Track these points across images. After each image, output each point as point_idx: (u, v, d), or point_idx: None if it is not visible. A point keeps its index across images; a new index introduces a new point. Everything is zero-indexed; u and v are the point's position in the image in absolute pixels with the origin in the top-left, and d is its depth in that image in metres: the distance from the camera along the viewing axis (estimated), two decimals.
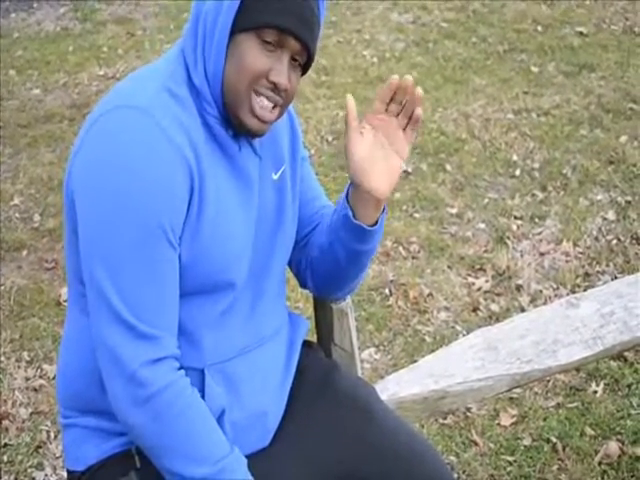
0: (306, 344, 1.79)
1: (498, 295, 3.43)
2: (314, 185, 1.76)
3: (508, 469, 2.62)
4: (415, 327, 3.27)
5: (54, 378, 2.92)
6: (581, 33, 5.97)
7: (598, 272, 3.54)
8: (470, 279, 3.53)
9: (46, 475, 2.66)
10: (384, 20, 6.40)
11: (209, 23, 1.43)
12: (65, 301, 3.30)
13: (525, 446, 2.69)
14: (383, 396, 1.86)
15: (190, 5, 1.52)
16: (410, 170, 4.37)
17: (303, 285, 1.79)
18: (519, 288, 3.46)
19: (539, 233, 3.84)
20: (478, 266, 3.62)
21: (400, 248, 3.75)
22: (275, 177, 1.61)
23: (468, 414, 2.82)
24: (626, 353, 2.97)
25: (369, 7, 6.63)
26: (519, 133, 4.70)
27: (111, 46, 6.10)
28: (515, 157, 4.46)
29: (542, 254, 3.69)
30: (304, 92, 5.25)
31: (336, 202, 1.65)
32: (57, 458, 2.70)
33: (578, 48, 5.74)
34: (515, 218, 3.95)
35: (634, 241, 3.74)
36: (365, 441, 1.63)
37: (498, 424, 2.78)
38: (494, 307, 3.35)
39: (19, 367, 3.09)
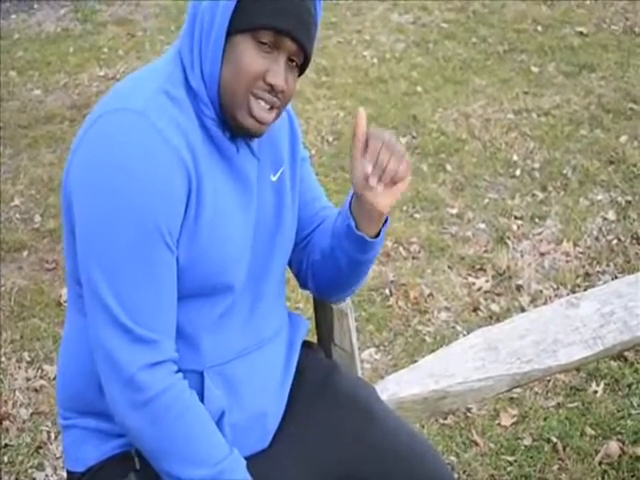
0: (306, 344, 1.79)
1: (498, 295, 3.43)
2: (314, 186, 1.75)
3: (508, 469, 2.62)
4: (415, 327, 3.27)
5: (54, 379, 2.92)
6: (581, 33, 5.97)
7: (598, 272, 3.54)
8: (470, 279, 3.54)
9: (46, 476, 2.66)
10: (384, 21, 6.40)
11: (205, 24, 1.43)
12: (66, 302, 3.30)
13: (525, 446, 2.69)
14: (383, 396, 1.86)
15: None
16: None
17: (303, 286, 1.79)
18: (519, 288, 3.46)
19: (539, 233, 3.84)
20: (478, 266, 3.62)
21: (400, 248, 3.75)
22: (274, 179, 1.61)
23: (468, 414, 2.82)
24: (626, 353, 2.97)
25: (369, 8, 6.63)
26: (519, 133, 4.70)
27: (111, 47, 6.10)
28: (515, 157, 4.47)
29: (542, 254, 3.69)
30: (304, 93, 5.25)
31: (340, 209, 1.64)
32: (57, 459, 2.70)
33: (578, 48, 5.74)
34: (515, 218, 3.95)
35: (634, 241, 3.74)
36: (365, 441, 1.62)
37: (498, 424, 2.78)
38: (494, 307, 3.35)
39: (20, 367, 3.09)
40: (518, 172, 4.33)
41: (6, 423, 2.85)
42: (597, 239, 3.77)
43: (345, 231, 1.59)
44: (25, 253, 3.80)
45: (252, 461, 1.52)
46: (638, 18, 6.20)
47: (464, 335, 3.02)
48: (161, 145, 1.37)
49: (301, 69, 1.52)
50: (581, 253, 3.68)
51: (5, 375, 3.06)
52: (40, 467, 2.69)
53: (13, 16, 6.74)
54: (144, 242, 1.38)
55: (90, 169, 1.39)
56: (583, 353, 2.10)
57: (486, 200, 4.12)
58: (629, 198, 4.04)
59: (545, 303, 3.26)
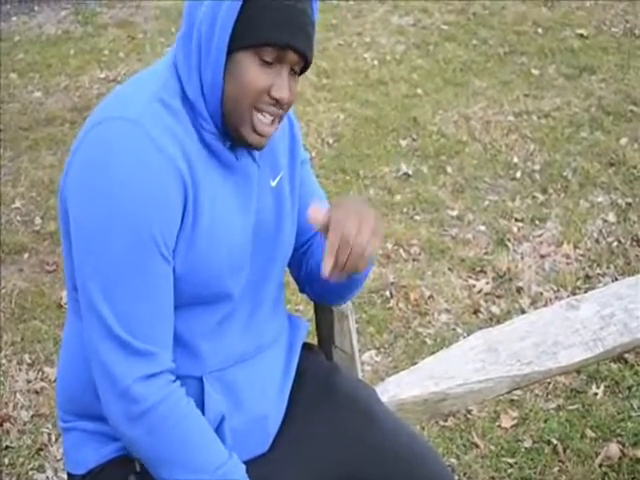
0: (306, 347, 1.79)
1: (499, 297, 3.43)
2: (314, 188, 1.74)
3: (509, 471, 2.62)
4: (416, 329, 3.27)
5: (55, 381, 2.92)
6: (581, 35, 5.97)
7: (599, 274, 3.54)
8: (471, 281, 3.54)
9: (47, 477, 2.66)
10: (385, 23, 6.40)
11: (204, 40, 1.41)
12: (66, 304, 3.31)
13: (526, 448, 2.69)
14: (383, 398, 1.86)
15: None
16: (411, 172, 4.37)
17: (302, 290, 1.79)
18: (519, 290, 3.46)
19: (540, 235, 3.84)
20: (479, 268, 3.62)
21: (401, 250, 3.75)
22: (273, 184, 1.60)
23: (469, 416, 2.82)
24: (626, 355, 2.97)
25: (370, 10, 6.63)
26: (520, 135, 4.71)
27: (112, 49, 6.11)
28: (516, 159, 4.47)
29: (543, 256, 3.69)
30: (305, 95, 5.25)
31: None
32: (58, 461, 2.70)
33: (578, 50, 5.75)
34: (516, 220, 3.96)
35: (634, 243, 3.74)
36: (365, 443, 1.62)
37: (499, 426, 2.78)
38: (495, 309, 3.36)
39: (20, 370, 3.10)
40: (518, 174, 4.34)
41: (7, 425, 2.85)
42: (597, 241, 3.77)
43: None
44: (26, 255, 3.80)
45: (252, 465, 1.52)
46: (638, 20, 6.20)
47: (464, 337, 3.02)
48: (156, 155, 1.36)
49: (301, 71, 1.51)
50: (581, 255, 3.68)
51: (6, 377, 3.06)
52: (41, 469, 2.69)
53: (14, 18, 6.74)
54: (139, 254, 1.37)
55: (84, 179, 1.39)
56: (583, 355, 2.11)
57: (486, 202, 4.12)
58: (629, 200, 4.05)
59: (545, 305, 3.26)
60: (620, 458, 2.61)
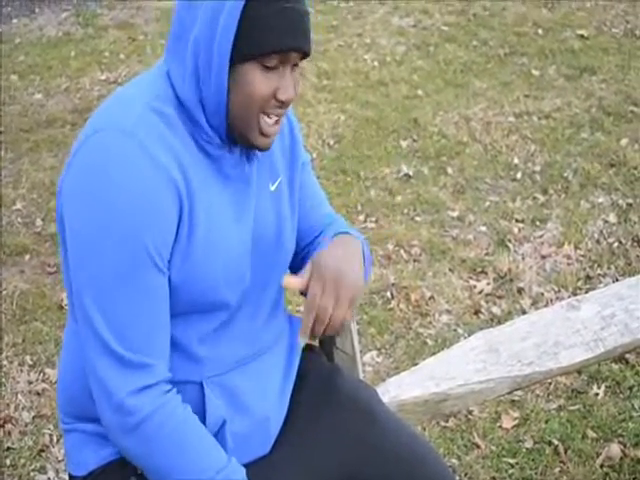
0: (307, 348, 1.79)
1: (499, 298, 3.44)
2: (314, 191, 1.74)
3: (510, 472, 2.62)
4: (417, 330, 3.27)
5: (56, 382, 2.92)
6: (582, 36, 5.98)
7: (599, 275, 3.55)
8: (471, 282, 3.54)
9: (49, 478, 2.67)
10: (385, 24, 6.41)
11: (202, 55, 1.38)
12: (67, 305, 3.31)
13: (527, 449, 2.69)
14: (384, 399, 1.86)
15: None
16: (411, 173, 4.38)
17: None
18: (520, 291, 3.46)
19: (540, 236, 3.84)
20: (479, 269, 3.62)
21: (401, 251, 3.76)
22: (272, 188, 1.59)
23: (470, 417, 2.82)
24: (627, 355, 2.97)
25: (370, 11, 6.64)
26: (520, 136, 4.71)
27: (113, 51, 6.11)
28: (516, 160, 4.47)
29: (543, 257, 3.69)
30: (305, 96, 5.25)
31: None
32: (60, 462, 2.70)
33: (579, 51, 5.75)
34: (516, 221, 3.96)
35: (635, 243, 3.74)
36: (367, 443, 1.62)
37: (500, 427, 2.78)
38: (495, 310, 3.36)
39: (22, 371, 3.10)
40: (519, 175, 4.34)
41: (8, 426, 2.85)
42: (598, 242, 3.78)
43: None
44: (27, 257, 3.81)
45: (254, 467, 1.52)
46: (639, 21, 6.21)
47: (465, 338, 3.02)
48: (150, 167, 1.35)
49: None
50: (582, 256, 3.68)
51: (7, 378, 3.07)
52: (42, 470, 2.70)
53: (14, 20, 6.75)
54: (133, 267, 1.37)
55: (78, 193, 1.38)
56: (584, 355, 2.11)
57: (487, 203, 4.12)
58: (630, 201, 4.05)
59: (546, 306, 3.26)
60: (621, 458, 2.62)
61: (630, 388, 2.91)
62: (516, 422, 2.79)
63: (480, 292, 3.47)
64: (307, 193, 1.70)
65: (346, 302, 1.44)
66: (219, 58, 1.37)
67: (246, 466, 1.50)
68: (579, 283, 3.49)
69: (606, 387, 2.91)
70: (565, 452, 2.66)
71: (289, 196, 1.64)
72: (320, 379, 1.72)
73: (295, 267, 1.74)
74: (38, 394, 2.99)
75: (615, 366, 2.99)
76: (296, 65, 1.46)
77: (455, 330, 3.27)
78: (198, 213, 1.42)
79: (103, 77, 5.69)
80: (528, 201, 4.11)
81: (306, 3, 1.43)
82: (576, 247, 3.73)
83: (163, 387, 1.43)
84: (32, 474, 2.68)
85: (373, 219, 4.02)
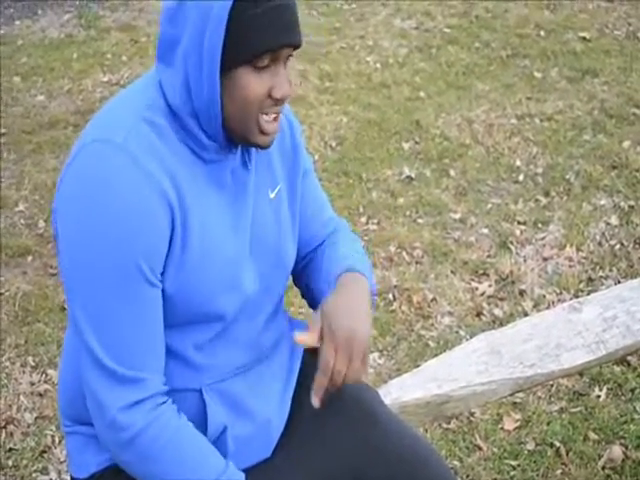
0: (309, 349, 1.79)
1: (501, 300, 3.44)
2: (316, 197, 1.72)
3: (512, 473, 2.62)
4: (419, 332, 3.28)
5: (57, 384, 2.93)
6: (584, 38, 5.98)
7: (601, 277, 3.55)
8: (473, 284, 3.54)
9: (51, 479, 2.67)
10: (387, 26, 6.41)
11: (192, 62, 1.36)
12: None
13: (529, 450, 2.69)
14: (386, 400, 1.86)
15: None
16: (413, 175, 4.38)
17: (304, 297, 1.79)
18: (522, 293, 3.47)
19: (542, 238, 3.84)
20: (481, 271, 3.62)
21: (404, 253, 3.76)
22: (272, 196, 1.58)
23: (472, 419, 2.82)
24: (629, 357, 2.97)
25: (372, 13, 6.64)
26: (522, 138, 4.71)
27: (115, 53, 6.11)
28: (518, 162, 4.47)
29: (545, 259, 3.69)
30: (308, 98, 5.26)
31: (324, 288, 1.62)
32: (62, 463, 2.71)
33: (581, 53, 5.75)
34: (518, 223, 3.96)
35: (637, 246, 3.75)
36: (369, 445, 1.62)
37: (501, 428, 2.78)
38: (497, 312, 3.36)
39: (24, 372, 3.10)
40: (521, 177, 4.34)
41: (11, 427, 2.86)
42: (600, 244, 3.78)
43: None
44: (29, 258, 3.81)
45: (256, 470, 1.52)
46: None
47: (467, 340, 3.02)
48: (140, 181, 1.34)
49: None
50: (584, 258, 3.68)
51: (9, 379, 3.07)
52: (44, 471, 2.70)
53: (17, 22, 6.75)
54: (124, 282, 1.36)
55: (70, 209, 1.38)
56: (586, 357, 2.11)
57: (489, 205, 4.12)
58: (632, 203, 4.05)
59: (548, 308, 3.26)
60: (623, 460, 2.62)
61: (632, 390, 2.91)
62: (518, 424, 2.79)
63: (482, 294, 3.47)
64: (309, 201, 1.69)
65: (359, 360, 1.45)
66: (209, 66, 1.35)
67: (248, 470, 1.50)
68: (581, 285, 3.50)
69: (608, 389, 2.91)
70: (567, 454, 2.66)
71: (290, 203, 1.63)
72: None
73: (297, 274, 1.74)
74: (40, 395, 3.00)
75: (617, 368, 2.99)
76: (290, 56, 1.44)
77: (457, 332, 3.27)
78: (192, 223, 1.41)
79: (105, 79, 5.70)
80: (530, 203, 4.12)
81: None
82: (578, 249, 3.74)
83: (156, 400, 1.42)
84: (34, 475, 2.69)
85: (375, 221, 4.02)
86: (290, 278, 1.73)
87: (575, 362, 2.10)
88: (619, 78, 5.37)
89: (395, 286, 3.52)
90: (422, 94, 5.31)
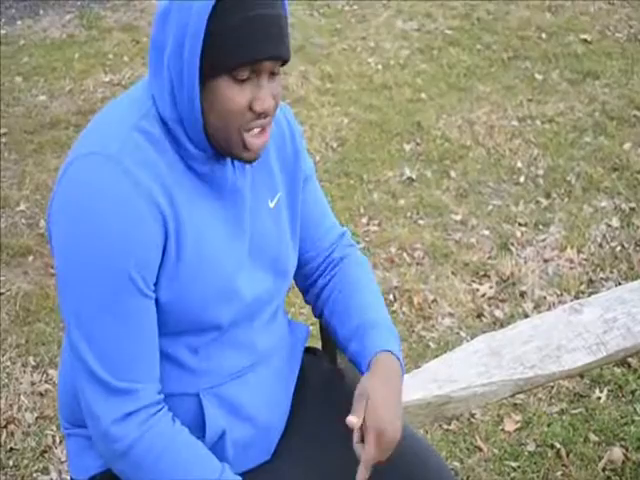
0: (309, 351, 1.79)
1: (502, 301, 3.44)
2: (318, 202, 1.71)
3: (512, 475, 2.62)
4: (419, 333, 3.28)
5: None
6: (585, 40, 5.98)
7: (602, 279, 3.55)
8: (474, 285, 3.54)
9: (51, 479, 2.67)
10: (389, 27, 6.41)
11: (174, 74, 1.35)
12: None
13: (529, 452, 2.69)
14: None
15: None
16: (414, 177, 4.38)
17: (307, 302, 1.79)
18: (523, 294, 3.47)
19: (543, 240, 3.85)
20: (482, 272, 3.63)
21: (404, 254, 3.76)
22: (272, 205, 1.57)
23: (472, 420, 2.83)
24: (630, 359, 2.98)
25: (374, 15, 6.64)
26: (523, 140, 4.71)
27: (117, 53, 6.12)
28: (519, 164, 4.47)
29: (546, 260, 3.70)
30: (309, 99, 5.26)
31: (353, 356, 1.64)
32: (62, 463, 2.71)
33: (582, 55, 5.75)
34: (519, 225, 3.96)
35: (638, 248, 3.75)
36: None
37: (502, 430, 2.78)
38: (498, 313, 3.36)
39: (25, 372, 3.11)
40: (522, 179, 4.34)
41: (11, 427, 2.86)
42: (601, 246, 3.78)
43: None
44: (30, 258, 3.81)
45: (255, 473, 1.52)
46: None
47: (468, 341, 3.02)
48: (133, 193, 1.34)
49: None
50: (585, 260, 3.69)
51: (10, 379, 3.07)
52: (45, 471, 2.70)
53: (18, 22, 6.76)
54: (116, 294, 1.36)
55: (61, 219, 1.38)
56: (586, 359, 2.11)
57: (490, 207, 4.12)
58: (633, 205, 4.05)
59: (549, 309, 3.27)
60: (623, 462, 2.62)
61: (632, 392, 2.91)
62: (518, 425, 2.79)
63: (483, 295, 3.47)
64: (310, 205, 1.68)
65: (390, 451, 1.49)
66: (188, 74, 1.34)
67: (248, 473, 1.50)
68: (581, 287, 3.50)
69: (608, 391, 2.92)
70: (567, 455, 2.66)
71: (290, 209, 1.62)
72: (321, 383, 1.72)
73: (300, 280, 1.74)
74: (41, 395, 3.00)
75: (617, 370, 2.99)
76: (274, 73, 1.39)
77: (458, 333, 3.27)
78: (186, 233, 1.40)
79: (107, 79, 5.70)
80: (531, 205, 4.12)
81: (280, 5, 1.36)
82: (579, 251, 3.74)
83: (150, 410, 1.42)
84: (35, 475, 2.69)
85: (376, 222, 4.02)
86: (292, 280, 1.73)
87: (576, 364, 2.10)
88: (620, 80, 5.37)
89: (396, 287, 3.52)
90: (423, 95, 5.31)
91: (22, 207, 4.22)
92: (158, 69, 1.39)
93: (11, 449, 2.78)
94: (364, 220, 4.03)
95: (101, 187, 1.34)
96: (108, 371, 1.38)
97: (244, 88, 1.36)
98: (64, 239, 1.37)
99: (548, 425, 2.79)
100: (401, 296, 3.47)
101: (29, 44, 6.35)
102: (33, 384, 3.04)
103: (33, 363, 3.15)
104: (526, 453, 2.69)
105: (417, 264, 3.70)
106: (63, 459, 2.71)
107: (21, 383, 3.05)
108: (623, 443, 2.70)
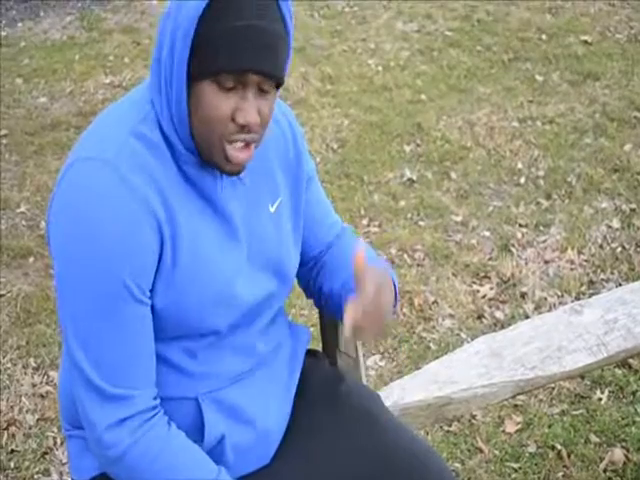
0: (310, 353, 1.78)
1: (503, 302, 3.44)
2: (321, 202, 1.72)
3: (513, 476, 2.62)
4: (420, 334, 3.28)
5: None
6: (585, 42, 5.98)
7: (602, 280, 3.55)
8: (475, 286, 3.54)
9: None
10: (389, 29, 6.41)
11: (166, 73, 1.36)
12: None
13: (530, 453, 2.69)
14: (388, 402, 1.87)
15: None
16: (415, 178, 4.38)
17: (310, 297, 1.79)
18: (523, 295, 3.47)
19: (544, 241, 3.85)
20: (483, 274, 3.63)
21: (405, 256, 3.76)
22: (272, 209, 1.56)
23: (473, 421, 2.82)
24: (631, 360, 2.97)
25: (374, 16, 6.64)
26: (524, 141, 4.71)
27: (117, 55, 6.12)
28: (520, 165, 4.47)
29: (546, 262, 3.70)
30: (309, 100, 5.26)
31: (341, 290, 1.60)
32: (63, 464, 2.71)
33: (582, 57, 5.75)
34: (520, 226, 3.96)
35: (638, 249, 3.75)
36: (369, 448, 1.62)
37: (503, 431, 2.78)
38: (499, 314, 3.36)
39: (26, 373, 3.11)
40: (522, 180, 4.34)
41: (12, 429, 2.86)
42: (601, 247, 3.78)
43: None
44: (31, 259, 3.81)
45: (254, 478, 1.52)
46: None
47: (468, 342, 3.01)
48: (129, 199, 1.34)
49: (277, 85, 1.40)
50: (585, 261, 3.69)
51: (11, 381, 3.07)
52: (46, 473, 2.70)
53: (19, 24, 6.76)
54: (111, 301, 1.36)
55: (58, 225, 1.38)
56: (587, 360, 2.11)
57: (490, 208, 4.12)
58: (633, 206, 4.05)
59: (549, 310, 3.27)
60: (624, 463, 2.62)
61: (633, 393, 2.91)
62: (519, 426, 2.79)
63: (483, 297, 3.47)
64: (313, 205, 1.68)
65: (383, 315, 1.43)
66: (177, 75, 1.34)
67: (248, 476, 1.50)
68: (582, 288, 3.50)
69: (609, 392, 2.92)
70: (568, 457, 2.66)
71: (293, 212, 1.62)
72: (322, 385, 1.72)
73: (302, 276, 1.74)
74: (42, 397, 3.00)
75: (618, 371, 2.99)
76: (264, 90, 1.37)
77: (458, 334, 3.27)
78: (182, 239, 1.40)
79: (107, 81, 5.70)
80: (531, 206, 4.12)
81: (278, 22, 1.34)
82: (579, 252, 3.74)
83: (144, 416, 1.42)
84: (36, 477, 2.69)
85: (376, 223, 4.02)
86: (294, 281, 1.73)
87: (576, 365, 2.10)
88: (620, 81, 5.37)
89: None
90: (423, 97, 5.31)
91: (22, 209, 4.22)
92: (154, 73, 1.40)
93: (12, 451, 2.78)
94: (364, 221, 4.03)
95: (98, 192, 1.34)
96: (104, 378, 1.39)
97: (229, 97, 1.34)
98: (62, 241, 1.38)
99: (549, 426, 2.79)
100: (402, 297, 3.47)
101: (30, 46, 6.35)
102: (34, 386, 3.04)
103: (34, 365, 3.15)
104: (527, 454, 2.69)
105: (418, 265, 3.70)
106: (64, 461, 2.71)
107: (22, 385, 3.05)
108: (624, 444, 2.70)
